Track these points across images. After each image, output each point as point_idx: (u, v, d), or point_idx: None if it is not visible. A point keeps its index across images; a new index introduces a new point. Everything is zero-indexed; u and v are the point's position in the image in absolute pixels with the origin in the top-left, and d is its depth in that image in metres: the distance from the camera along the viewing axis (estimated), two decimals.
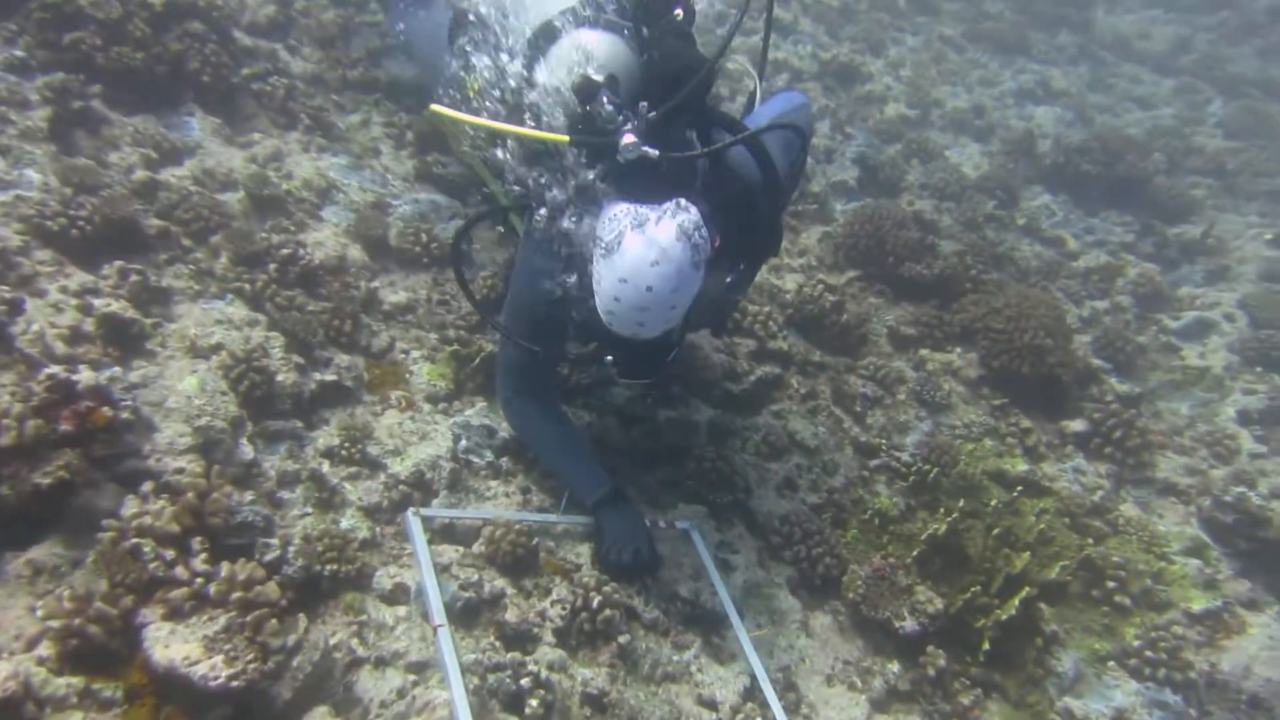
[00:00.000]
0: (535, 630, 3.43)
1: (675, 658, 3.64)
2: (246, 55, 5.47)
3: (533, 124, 3.35)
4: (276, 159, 5.02)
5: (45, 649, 2.74)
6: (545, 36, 3.42)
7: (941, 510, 4.64)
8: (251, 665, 2.78)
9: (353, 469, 3.72)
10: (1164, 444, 6.01)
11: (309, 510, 3.49)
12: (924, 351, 6.00)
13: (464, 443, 3.94)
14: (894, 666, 4.01)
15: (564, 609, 3.49)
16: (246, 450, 3.49)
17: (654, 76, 3.31)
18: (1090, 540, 5.03)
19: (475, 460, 3.94)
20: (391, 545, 3.56)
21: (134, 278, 3.85)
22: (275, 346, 3.86)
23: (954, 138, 9.41)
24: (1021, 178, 8.78)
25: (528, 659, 3.26)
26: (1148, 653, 4.54)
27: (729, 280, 3.45)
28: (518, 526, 3.61)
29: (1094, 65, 11.88)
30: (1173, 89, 11.58)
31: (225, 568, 2.95)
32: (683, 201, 3.12)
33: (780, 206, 3.61)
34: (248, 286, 4.10)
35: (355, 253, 4.69)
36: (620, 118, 3.11)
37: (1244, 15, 13.01)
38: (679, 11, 3.47)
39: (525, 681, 3.15)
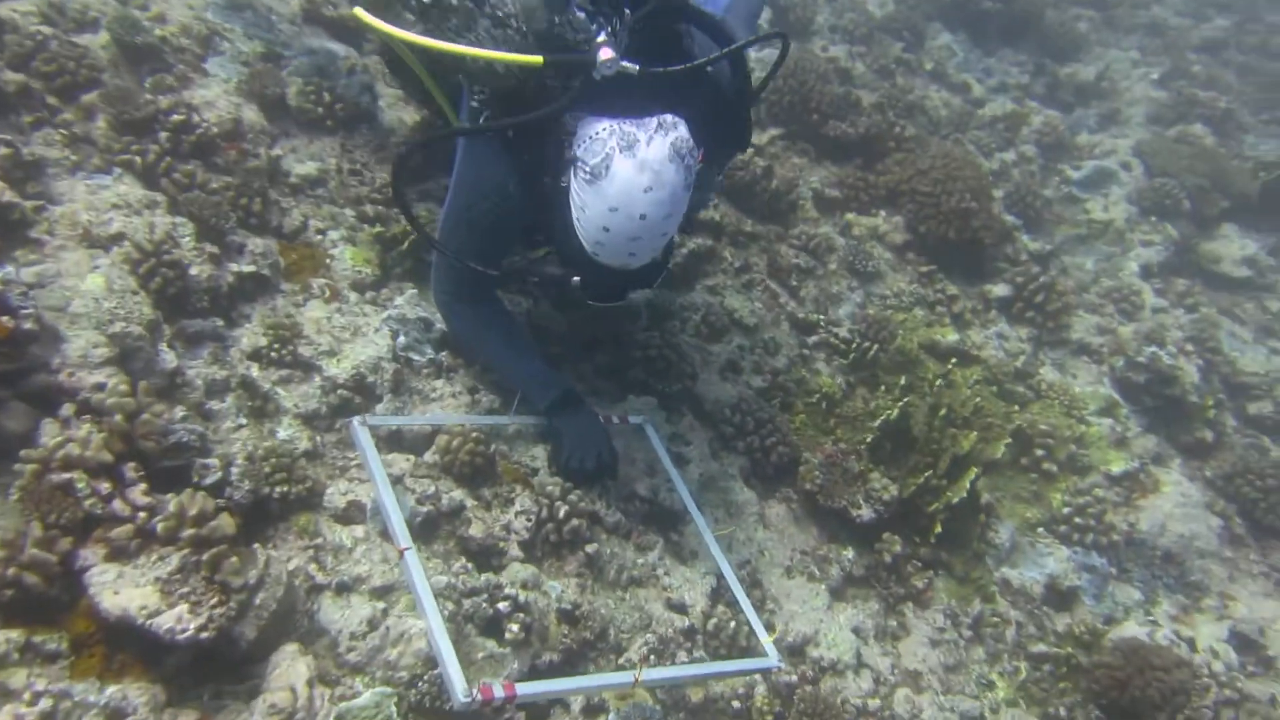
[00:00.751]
0: (501, 544, 3.36)
1: (640, 560, 3.66)
2: None
3: (487, 37, 3.00)
4: None
5: None
6: None
7: (883, 388, 4.75)
8: (217, 611, 2.64)
9: (284, 372, 3.48)
10: (1074, 303, 6.28)
11: (243, 421, 3.27)
12: (850, 216, 6.02)
13: (402, 339, 3.74)
14: (849, 553, 4.16)
15: (529, 520, 3.43)
16: (168, 358, 3.21)
17: None
18: (1016, 407, 5.28)
19: (416, 358, 3.75)
20: (335, 455, 3.40)
21: (2, 149, 3.40)
22: (185, 235, 3.51)
23: None
24: (923, 15, 8.75)
25: (503, 580, 3.21)
26: (1076, 519, 4.86)
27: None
28: (474, 434, 3.49)
29: None
30: None
31: (173, 502, 2.75)
32: (669, 116, 2.90)
33: (752, 104, 3.45)
34: (138, 159, 3.68)
35: (251, 114, 4.26)
36: (594, 27, 2.85)
37: None
38: None
39: (503, 605, 3.10)
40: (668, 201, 2.87)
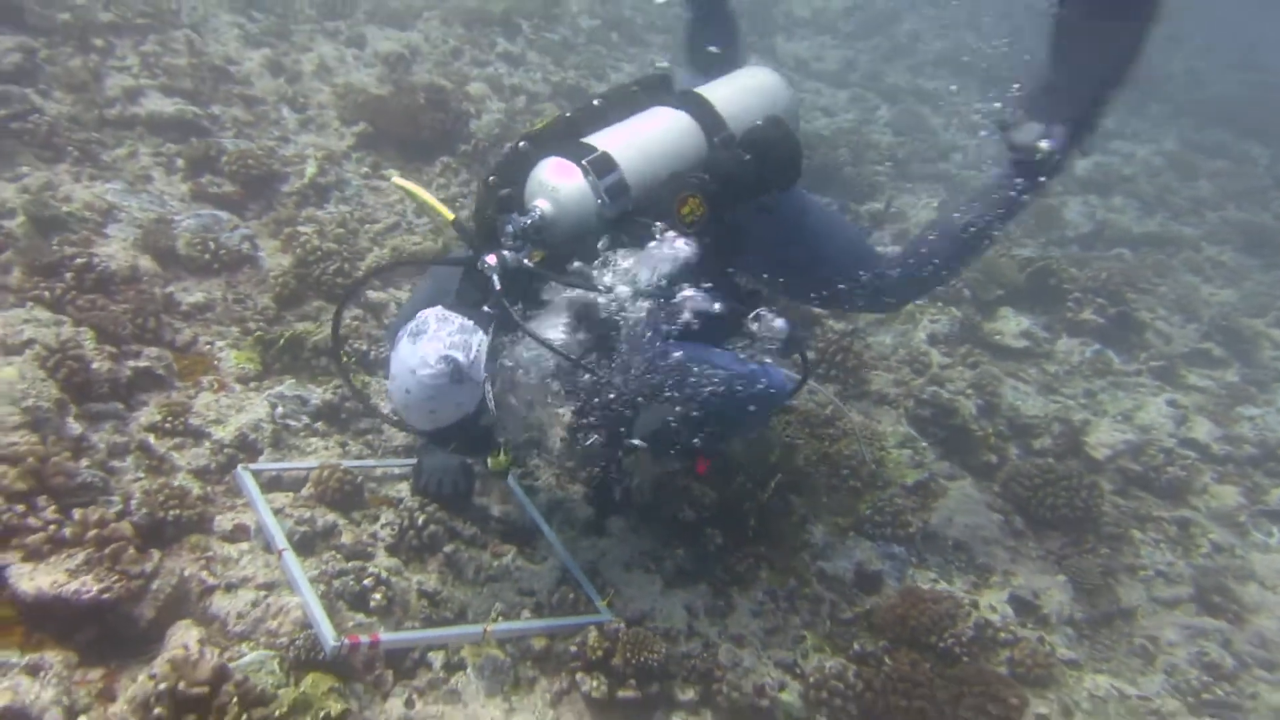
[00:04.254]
0: (369, 549, 3.80)
1: (494, 563, 4.10)
2: None
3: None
4: (49, 188, 5.13)
5: None
6: None
7: None
8: (117, 583, 3.03)
9: (177, 439, 3.96)
10: (875, 366, 7.01)
11: (141, 475, 3.71)
12: None
13: (280, 409, 4.25)
14: (680, 551, 4.62)
15: (393, 529, 3.89)
16: (74, 427, 3.68)
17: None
18: (827, 442, 5.88)
19: (293, 423, 4.26)
20: (224, 501, 3.84)
21: None
22: (86, 339, 4.04)
23: None
24: None
25: (368, 564, 3.63)
26: (877, 518, 5.40)
27: None
28: (343, 470, 3.97)
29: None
30: (848, 98, 13.34)
31: (78, 513, 3.18)
32: (469, 324, 3.10)
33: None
34: (47, 294, 4.24)
35: (146, 263, 4.88)
36: (515, 241, 3.16)
37: (891, 40, 15.67)
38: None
39: (368, 581, 3.53)
40: (429, 388, 3.03)
